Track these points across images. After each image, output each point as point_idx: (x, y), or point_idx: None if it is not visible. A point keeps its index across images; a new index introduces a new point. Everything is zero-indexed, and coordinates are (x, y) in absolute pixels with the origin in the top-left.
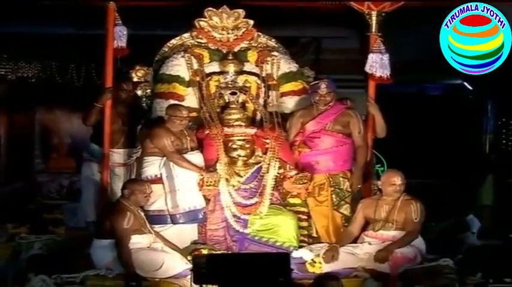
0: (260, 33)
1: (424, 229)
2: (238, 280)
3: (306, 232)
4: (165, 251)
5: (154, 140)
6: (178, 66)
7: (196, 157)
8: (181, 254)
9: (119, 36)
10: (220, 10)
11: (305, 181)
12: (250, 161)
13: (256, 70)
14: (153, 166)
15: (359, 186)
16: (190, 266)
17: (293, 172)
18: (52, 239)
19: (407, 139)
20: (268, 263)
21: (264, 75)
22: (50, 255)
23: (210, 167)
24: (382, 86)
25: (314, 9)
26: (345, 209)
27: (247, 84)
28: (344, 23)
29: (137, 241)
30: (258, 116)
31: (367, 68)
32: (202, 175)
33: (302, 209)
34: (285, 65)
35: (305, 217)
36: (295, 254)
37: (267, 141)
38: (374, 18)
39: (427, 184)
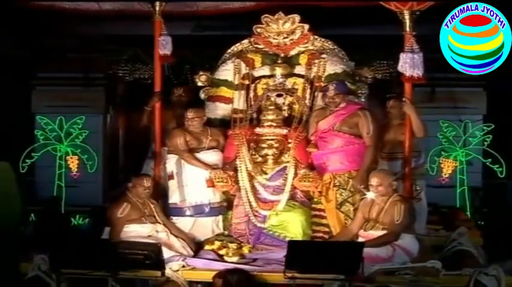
0: (317, 37)
1: None
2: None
3: (327, 229)
4: (162, 239)
5: (169, 139)
6: (227, 71)
7: (210, 156)
8: (187, 245)
9: (163, 45)
10: (276, 16)
11: (310, 180)
12: (280, 159)
13: (305, 72)
14: (170, 163)
15: (362, 186)
16: (174, 254)
17: (302, 171)
18: None
19: None
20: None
21: (311, 77)
22: None
23: (227, 164)
24: (502, 86)
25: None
26: (347, 209)
27: (296, 86)
28: None
29: (134, 230)
30: (304, 117)
31: (399, 67)
32: (210, 172)
33: (323, 207)
34: (331, 67)
35: (326, 215)
36: None
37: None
38: (407, 17)
39: None
